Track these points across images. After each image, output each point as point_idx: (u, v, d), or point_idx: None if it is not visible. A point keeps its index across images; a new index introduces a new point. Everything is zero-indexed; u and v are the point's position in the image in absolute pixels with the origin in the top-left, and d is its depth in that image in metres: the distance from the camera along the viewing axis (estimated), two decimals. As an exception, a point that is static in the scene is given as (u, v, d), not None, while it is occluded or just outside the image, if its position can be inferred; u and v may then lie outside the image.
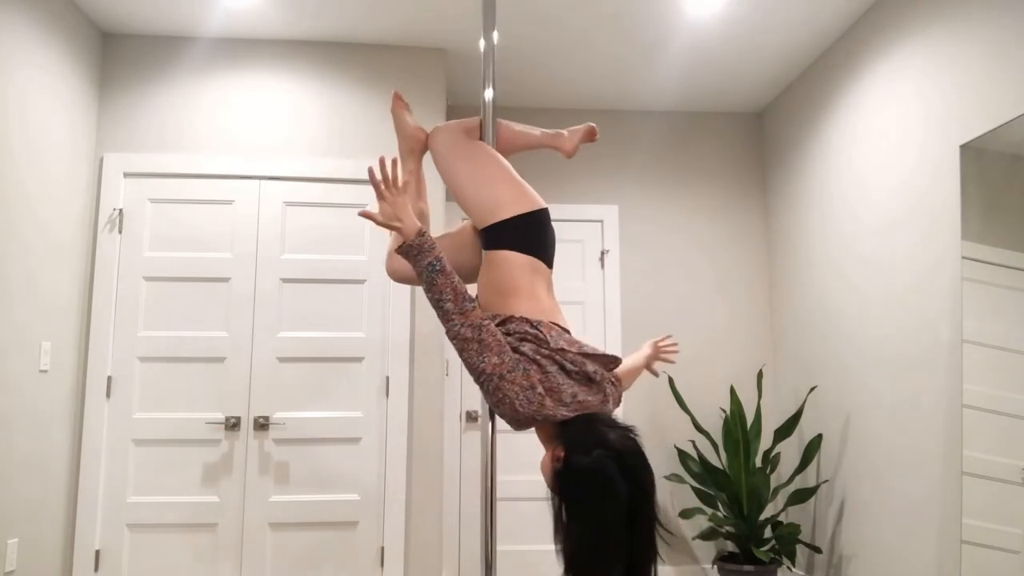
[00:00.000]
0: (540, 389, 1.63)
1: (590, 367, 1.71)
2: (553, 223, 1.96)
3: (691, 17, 3.74)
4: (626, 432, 1.60)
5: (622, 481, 1.51)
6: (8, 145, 3.11)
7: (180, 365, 3.72)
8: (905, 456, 3.32)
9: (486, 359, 1.64)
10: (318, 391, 3.78)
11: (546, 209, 1.93)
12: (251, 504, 3.67)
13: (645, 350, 2.34)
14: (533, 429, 1.74)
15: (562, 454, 1.59)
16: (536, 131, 2.26)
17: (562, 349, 1.70)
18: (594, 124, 2.30)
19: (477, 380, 1.67)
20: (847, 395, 3.83)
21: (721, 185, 4.85)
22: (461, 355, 1.68)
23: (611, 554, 1.48)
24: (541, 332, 1.72)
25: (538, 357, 1.68)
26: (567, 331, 1.83)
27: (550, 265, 1.92)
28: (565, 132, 2.29)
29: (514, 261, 1.85)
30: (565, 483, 1.56)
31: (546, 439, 1.71)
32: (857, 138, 3.79)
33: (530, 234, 1.88)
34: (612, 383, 1.78)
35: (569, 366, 1.69)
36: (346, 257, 3.88)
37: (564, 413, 1.65)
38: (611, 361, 1.78)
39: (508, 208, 1.87)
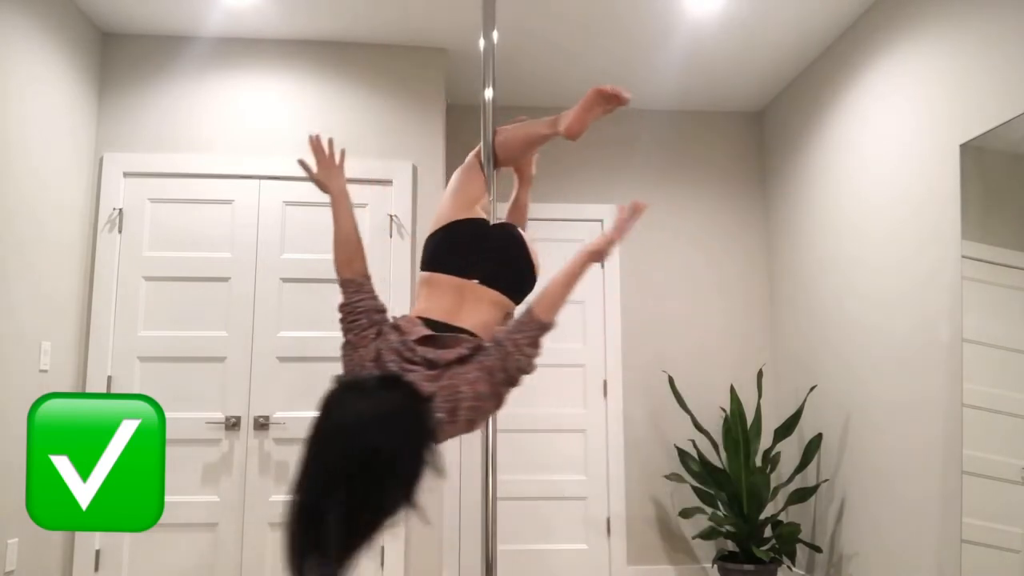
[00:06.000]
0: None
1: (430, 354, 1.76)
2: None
3: (691, 17, 3.74)
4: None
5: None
6: (8, 145, 3.11)
7: (180, 365, 3.72)
8: (905, 455, 3.32)
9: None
10: (318, 391, 3.74)
11: (455, 223, 1.95)
12: (251, 504, 3.66)
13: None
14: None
15: None
16: (540, 122, 2.01)
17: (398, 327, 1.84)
18: (604, 87, 1.90)
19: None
20: (847, 395, 3.83)
21: (721, 184, 4.84)
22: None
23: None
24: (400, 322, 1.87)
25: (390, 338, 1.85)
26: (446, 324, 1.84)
27: (454, 271, 1.91)
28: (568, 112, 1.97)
29: (420, 279, 1.99)
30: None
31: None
32: (857, 137, 3.79)
33: (427, 251, 1.99)
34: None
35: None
36: (346, 257, 3.87)
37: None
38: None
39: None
